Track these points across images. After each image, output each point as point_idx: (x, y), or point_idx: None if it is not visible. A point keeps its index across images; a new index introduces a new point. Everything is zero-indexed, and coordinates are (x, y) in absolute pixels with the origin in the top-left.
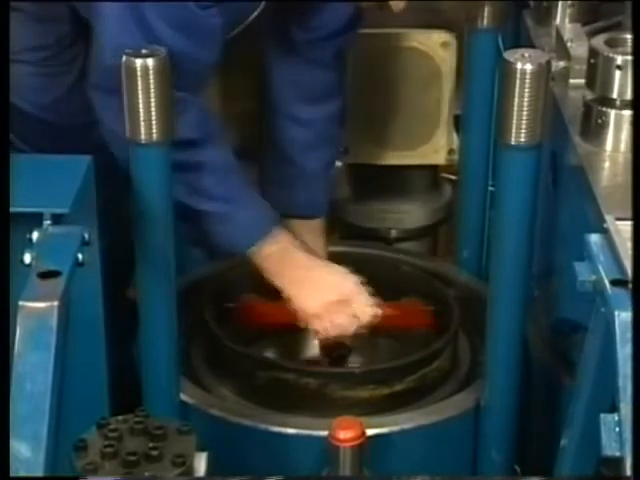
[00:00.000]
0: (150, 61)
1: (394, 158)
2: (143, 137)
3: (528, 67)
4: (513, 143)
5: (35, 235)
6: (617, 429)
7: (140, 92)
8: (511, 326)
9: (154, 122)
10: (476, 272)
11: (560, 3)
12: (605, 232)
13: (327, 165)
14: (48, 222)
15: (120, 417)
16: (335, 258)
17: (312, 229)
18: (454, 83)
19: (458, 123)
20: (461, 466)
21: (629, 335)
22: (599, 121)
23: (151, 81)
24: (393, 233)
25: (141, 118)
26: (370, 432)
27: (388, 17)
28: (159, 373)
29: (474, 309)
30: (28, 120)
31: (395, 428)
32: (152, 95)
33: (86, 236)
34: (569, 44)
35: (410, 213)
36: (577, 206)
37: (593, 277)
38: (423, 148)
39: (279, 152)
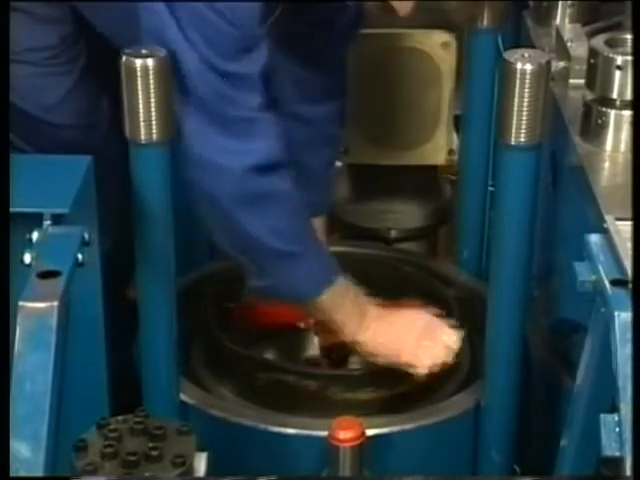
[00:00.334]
0: (150, 61)
1: (394, 158)
2: (143, 137)
3: (528, 67)
4: (513, 143)
5: (35, 235)
6: (617, 429)
7: (140, 92)
8: (511, 326)
9: (154, 122)
10: (476, 272)
11: (560, 3)
12: (605, 232)
13: (327, 164)
14: (48, 222)
15: (120, 417)
16: (335, 258)
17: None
18: (454, 83)
19: (458, 123)
20: (461, 466)
21: (629, 335)
22: (599, 121)
23: (151, 81)
24: (393, 233)
25: (141, 118)
26: (370, 432)
27: (388, 17)
28: (159, 373)
29: (474, 309)
30: (30, 121)
31: (395, 428)
32: (152, 95)
33: (86, 236)
34: (569, 44)
35: (410, 213)
36: (577, 206)
37: (593, 277)
38: (423, 148)
39: None
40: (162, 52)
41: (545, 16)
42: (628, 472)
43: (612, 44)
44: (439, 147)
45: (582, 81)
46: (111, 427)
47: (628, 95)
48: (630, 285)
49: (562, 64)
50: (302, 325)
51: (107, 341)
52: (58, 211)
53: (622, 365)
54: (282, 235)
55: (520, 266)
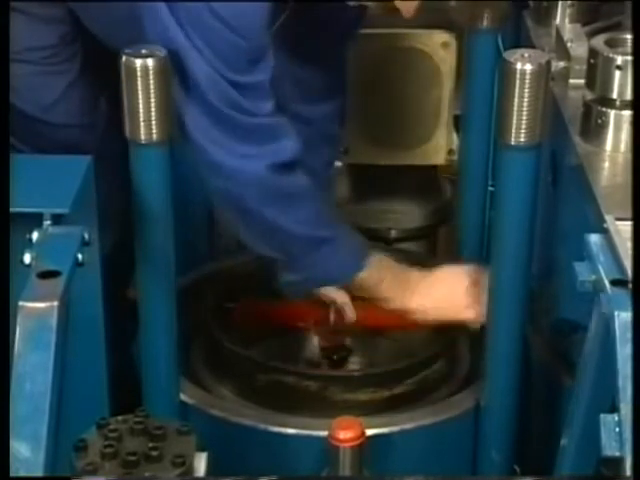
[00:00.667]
0: (150, 61)
1: (394, 158)
2: (143, 137)
3: (528, 67)
4: (513, 143)
5: (35, 235)
6: (617, 429)
7: (140, 92)
8: (511, 326)
9: (154, 122)
10: None
11: (560, 3)
12: (605, 232)
13: (327, 164)
14: (48, 222)
15: (120, 417)
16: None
17: None
18: (454, 83)
19: (458, 123)
20: (461, 466)
21: (629, 335)
22: (599, 121)
23: (151, 81)
24: (393, 233)
25: (141, 118)
26: (370, 432)
27: (391, 17)
28: (159, 373)
29: None
30: (28, 121)
31: (395, 428)
32: (152, 95)
33: (86, 236)
34: (569, 44)
35: (410, 213)
36: (577, 206)
37: (593, 277)
38: (423, 148)
39: None
40: (162, 52)
41: (545, 16)
42: (628, 472)
43: (612, 44)
44: (439, 147)
45: (582, 81)
46: (111, 427)
47: (628, 95)
48: (630, 285)
49: (562, 64)
50: (302, 325)
51: (107, 341)
52: (58, 211)
53: (622, 365)
54: (312, 223)
55: (520, 266)
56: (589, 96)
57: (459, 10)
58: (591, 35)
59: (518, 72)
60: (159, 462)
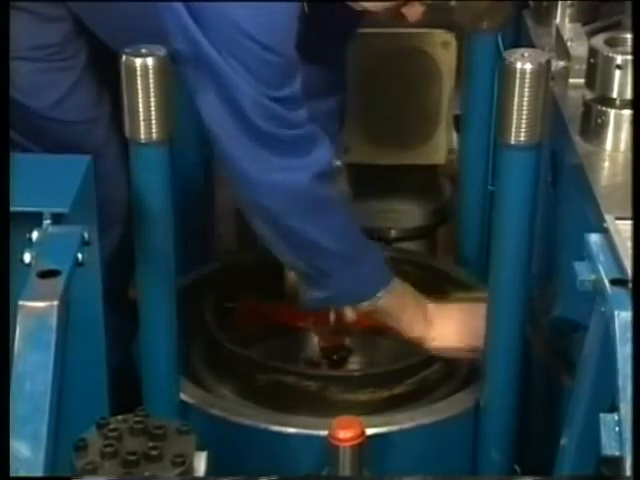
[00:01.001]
0: (150, 60)
1: (394, 158)
2: (143, 137)
3: (528, 67)
4: (513, 143)
5: (35, 234)
6: (617, 429)
7: (140, 91)
8: (511, 326)
9: (154, 122)
10: (476, 272)
11: (560, 3)
12: (605, 232)
13: None
14: (48, 222)
15: (120, 417)
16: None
17: None
18: (454, 83)
19: (458, 123)
20: (461, 466)
21: (629, 335)
22: (599, 121)
23: (151, 80)
24: (393, 233)
25: (141, 118)
26: (370, 432)
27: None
28: (159, 373)
29: None
30: (33, 118)
31: (395, 428)
32: (152, 95)
33: (86, 236)
34: (569, 44)
35: (410, 213)
36: (577, 206)
37: (593, 277)
38: (423, 148)
39: None
40: (162, 51)
41: (545, 16)
42: (628, 472)
43: (612, 43)
44: (439, 147)
45: (582, 80)
46: (111, 427)
47: (628, 94)
48: (630, 284)
49: (562, 64)
50: (302, 325)
51: (107, 341)
52: (58, 210)
53: (622, 364)
54: (345, 238)
55: (520, 266)
56: (589, 95)
57: (460, 10)
58: (591, 35)
59: (518, 72)
60: (159, 462)
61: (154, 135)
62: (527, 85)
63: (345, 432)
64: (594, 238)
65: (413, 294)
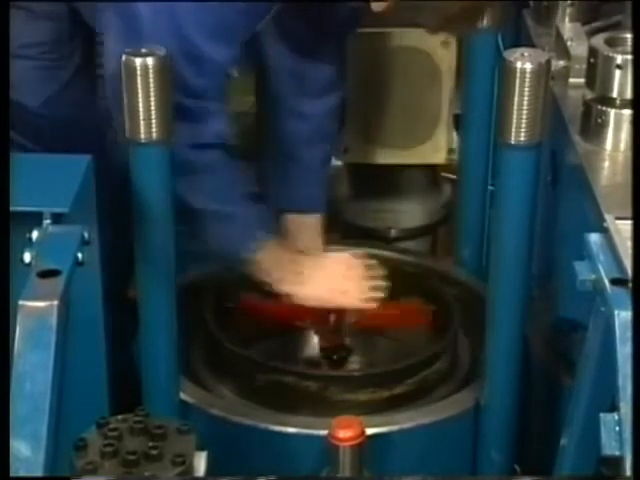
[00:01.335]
0: (150, 60)
1: (394, 157)
2: (143, 136)
3: (528, 66)
4: (513, 142)
5: (35, 234)
6: (617, 428)
7: (140, 91)
8: (511, 326)
9: (154, 121)
10: (476, 272)
11: (560, 3)
12: (605, 231)
13: (324, 160)
14: (48, 221)
15: (120, 416)
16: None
17: (310, 226)
18: (454, 82)
19: (458, 122)
20: (461, 465)
21: (629, 334)
22: (599, 120)
23: (151, 80)
24: (393, 232)
25: (141, 117)
26: (370, 431)
27: (388, 17)
28: (159, 373)
29: (474, 309)
30: (26, 115)
31: (395, 427)
32: (152, 94)
33: (86, 235)
34: (569, 43)
35: (410, 212)
36: (577, 205)
37: (593, 276)
38: (423, 147)
39: (278, 147)
40: (162, 51)
41: (545, 15)
42: (628, 472)
43: (612, 43)
44: (439, 146)
45: (582, 80)
46: (111, 426)
47: (628, 94)
48: (630, 284)
49: (562, 63)
50: (302, 324)
51: (107, 341)
52: (58, 210)
53: (622, 364)
54: (215, 199)
55: (520, 265)
56: (589, 95)
57: (426, 12)
58: (591, 34)
59: (518, 71)
60: (159, 461)
61: (154, 134)
62: (527, 85)
63: (345, 432)
64: (594, 238)
65: (291, 253)
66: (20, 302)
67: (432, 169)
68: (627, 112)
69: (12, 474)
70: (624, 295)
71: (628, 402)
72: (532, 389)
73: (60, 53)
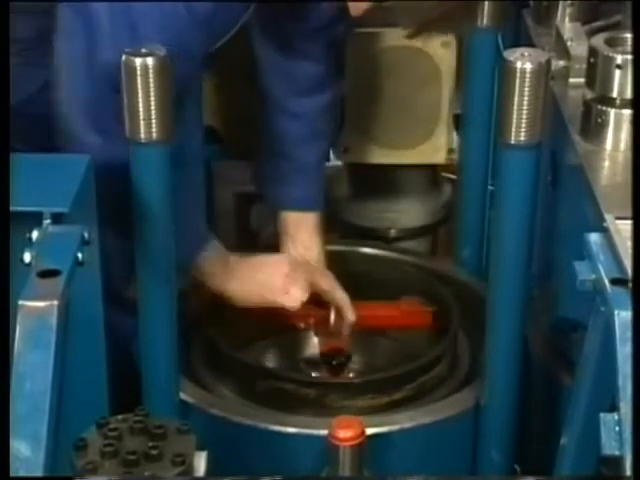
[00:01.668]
0: (150, 60)
1: (393, 157)
2: (143, 136)
3: (528, 66)
4: (513, 142)
5: (35, 234)
6: (617, 428)
7: (140, 91)
8: (511, 326)
9: (154, 121)
10: (476, 272)
11: (560, 2)
12: (605, 231)
13: (320, 159)
14: (48, 221)
15: (120, 416)
16: (334, 257)
17: (308, 225)
18: (454, 82)
19: (458, 122)
20: (461, 465)
21: (629, 334)
22: (599, 120)
23: (151, 80)
24: (392, 232)
25: (141, 117)
26: (370, 431)
27: (388, 17)
28: (159, 372)
29: (474, 309)
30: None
31: (395, 427)
32: (152, 94)
33: (86, 235)
34: (569, 43)
35: (409, 212)
36: (577, 205)
37: (593, 276)
38: (423, 147)
39: (273, 146)
40: (162, 51)
41: (545, 15)
42: (628, 472)
43: (612, 43)
44: (439, 146)
45: (582, 80)
46: (111, 426)
47: (628, 94)
48: (630, 284)
49: (562, 63)
50: (302, 326)
51: (107, 341)
52: (58, 210)
53: (622, 364)
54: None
55: (520, 266)
56: (589, 95)
57: (403, 13)
58: (591, 34)
59: (518, 71)
60: (159, 461)
61: (154, 134)
62: (527, 85)
63: (345, 432)
64: (594, 238)
65: (218, 247)
66: (20, 302)
67: (432, 169)
68: (627, 112)
69: (12, 474)
70: (624, 295)
71: (628, 402)
72: (532, 389)
73: (42, 49)
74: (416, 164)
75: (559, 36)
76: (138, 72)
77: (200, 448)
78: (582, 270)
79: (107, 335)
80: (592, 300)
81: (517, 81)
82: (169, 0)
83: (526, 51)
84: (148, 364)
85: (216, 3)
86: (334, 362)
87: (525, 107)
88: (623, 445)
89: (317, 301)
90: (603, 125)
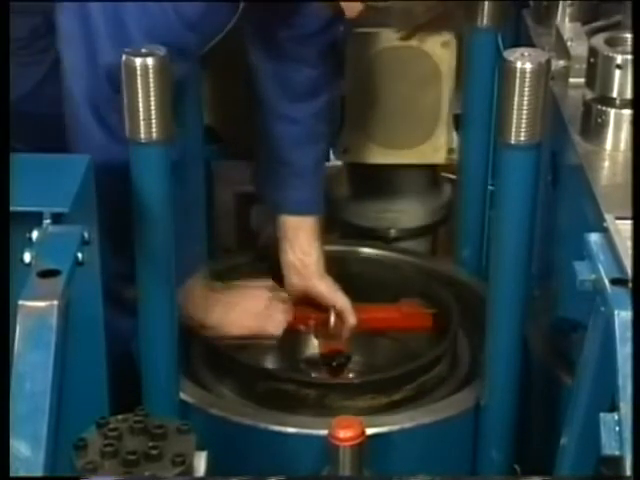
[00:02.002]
0: (150, 60)
1: (393, 157)
2: (143, 136)
3: (528, 66)
4: (513, 142)
5: (35, 234)
6: (617, 428)
7: (140, 91)
8: (511, 326)
9: (154, 121)
10: (476, 272)
11: (560, 2)
12: (605, 231)
13: (317, 161)
14: (48, 221)
15: (120, 416)
16: (334, 258)
17: (306, 230)
18: (454, 82)
19: (458, 122)
20: (461, 465)
21: (629, 334)
22: (599, 120)
23: (151, 80)
24: (392, 233)
25: (141, 117)
26: (370, 431)
27: (384, 18)
28: (159, 372)
29: (474, 309)
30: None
31: (395, 427)
32: (152, 94)
33: (86, 235)
34: (569, 43)
35: (409, 212)
36: (577, 205)
37: (593, 276)
38: (423, 147)
39: (269, 150)
40: (162, 51)
41: (545, 15)
42: (628, 471)
43: (612, 43)
44: (439, 146)
45: (582, 80)
46: (111, 426)
47: (628, 94)
48: (630, 284)
49: (562, 63)
50: (302, 328)
51: (107, 341)
52: (58, 210)
53: (622, 364)
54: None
55: (520, 265)
56: (589, 95)
57: (397, 15)
58: (591, 34)
59: (518, 71)
60: (159, 461)
61: (154, 134)
62: (527, 85)
63: (345, 432)
64: (594, 238)
65: (198, 280)
66: (20, 302)
67: (432, 169)
68: (627, 112)
69: (12, 474)
70: (624, 295)
71: (628, 402)
72: (532, 389)
73: (35, 48)
74: (416, 164)
75: (559, 36)
76: (138, 72)
77: (200, 448)
78: (582, 270)
79: (107, 335)
80: (592, 300)
81: (517, 81)
82: (157, 0)
83: (526, 51)
84: (148, 364)
85: (204, 5)
86: (334, 363)
87: (525, 107)
88: (623, 445)
89: (317, 304)
90: (603, 125)
